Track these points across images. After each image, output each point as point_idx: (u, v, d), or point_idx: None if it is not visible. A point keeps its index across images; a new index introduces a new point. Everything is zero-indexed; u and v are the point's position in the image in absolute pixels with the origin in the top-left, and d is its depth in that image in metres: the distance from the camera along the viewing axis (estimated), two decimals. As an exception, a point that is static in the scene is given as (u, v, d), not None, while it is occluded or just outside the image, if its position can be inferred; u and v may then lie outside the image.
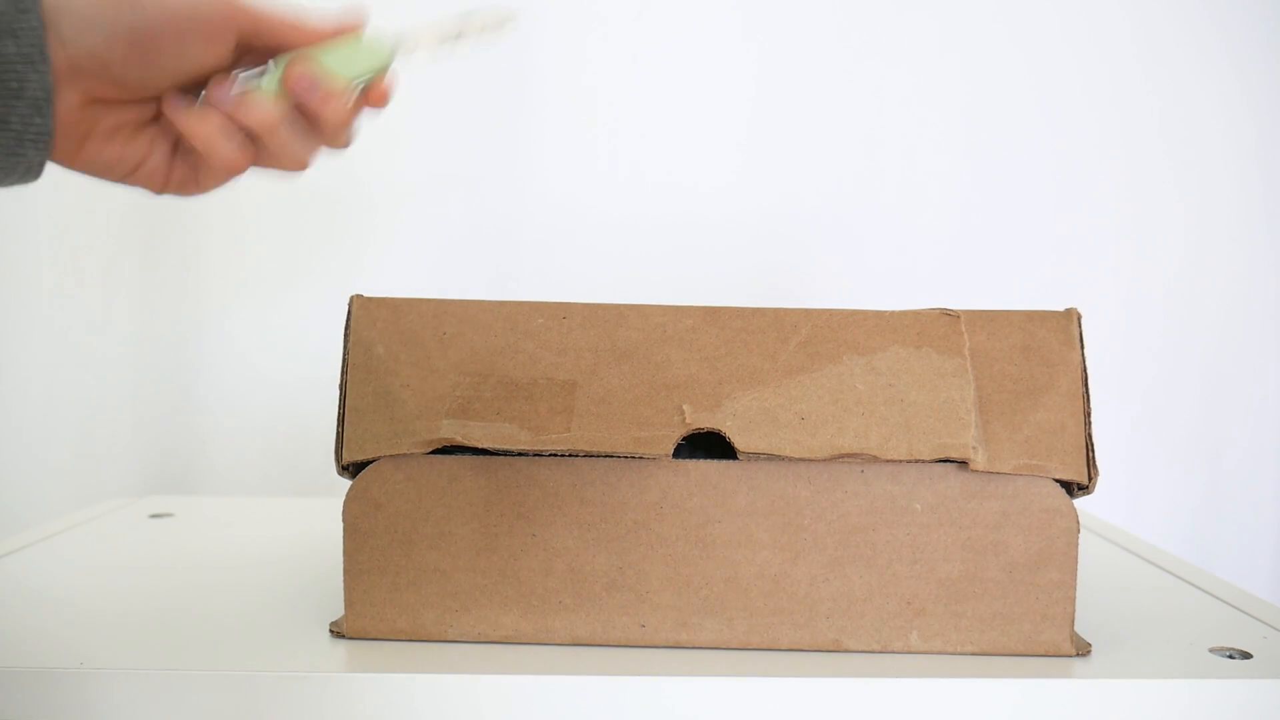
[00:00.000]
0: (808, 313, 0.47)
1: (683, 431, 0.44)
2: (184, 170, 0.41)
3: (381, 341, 0.46)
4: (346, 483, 0.47)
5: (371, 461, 0.45)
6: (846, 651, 0.46)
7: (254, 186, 0.87)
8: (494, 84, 0.88)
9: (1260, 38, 0.88)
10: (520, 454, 0.44)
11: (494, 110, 0.88)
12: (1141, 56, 0.89)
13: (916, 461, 0.44)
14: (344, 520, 0.45)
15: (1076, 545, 0.45)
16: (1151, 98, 0.89)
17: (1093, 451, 0.45)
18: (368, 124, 0.90)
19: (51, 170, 0.91)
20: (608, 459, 0.45)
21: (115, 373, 0.88)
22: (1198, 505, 0.92)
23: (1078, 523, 0.45)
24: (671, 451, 0.44)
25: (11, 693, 0.42)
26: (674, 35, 0.88)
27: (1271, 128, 0.89)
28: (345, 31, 0.41)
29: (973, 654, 0.46)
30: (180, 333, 0.88)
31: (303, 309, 0.88)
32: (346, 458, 0.45)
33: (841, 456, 0.44)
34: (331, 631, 0.46)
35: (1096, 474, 0.45)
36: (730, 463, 0.45)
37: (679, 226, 0.89)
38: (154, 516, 0.69)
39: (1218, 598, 0.54)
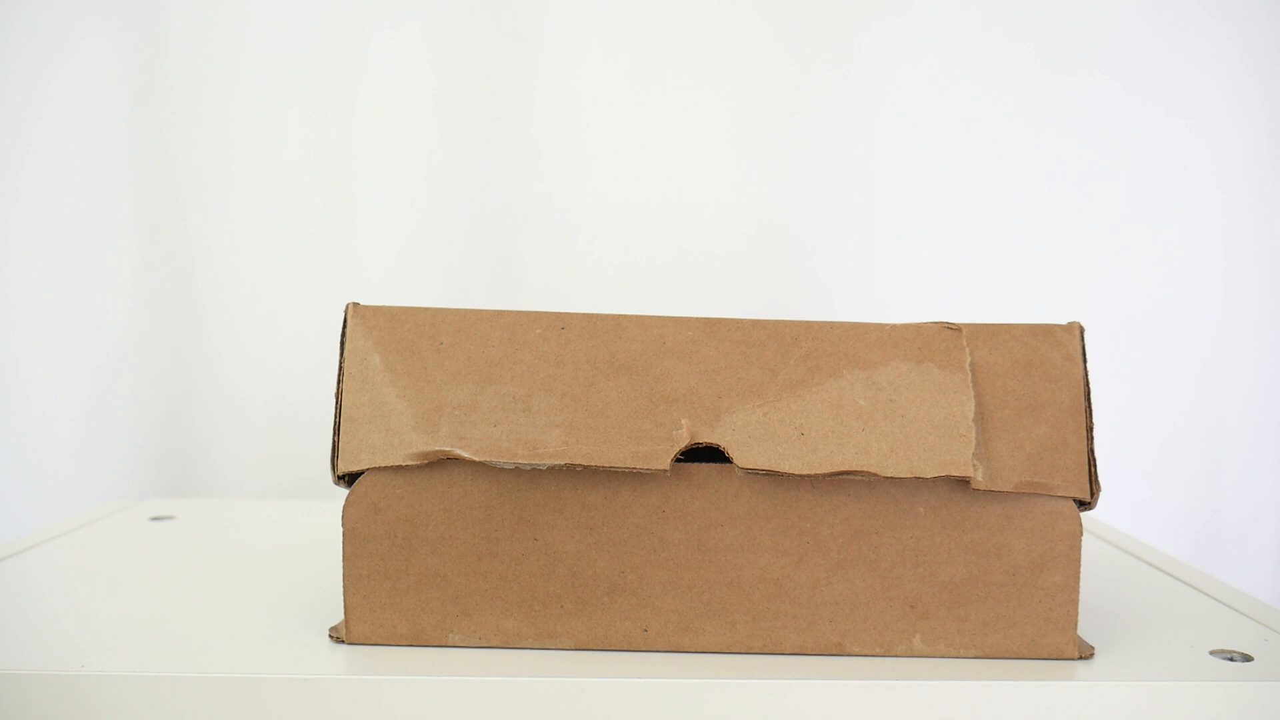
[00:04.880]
0: (808, 325, 0.47)
1: (681, 445, 0.44)
2: None
3: (378, 351, 0.46)
4: (346, 487, 0.47)
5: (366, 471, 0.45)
6: (849, 655, 0.46)
7: (254, 188, 0.87)
8: (494, 93, 0.87)
9: (1261, 42, 0.88)
10: (516, 467, 0.44)
11: (494, 119, 0.88)
12: (1138, 61, 0.89)
13: (917, 479, 0.44)
14: (343, 525, 0.45)
15: (1079, 548, 0.45)
16: (1152, 105, 0.89)
17: (1094, 468, 0.45)
18: (369, 130, 0.90)
19: (51, 173, 0.91)
20: (609, 464, 0.45)
21: (115, 375, 0.88)
22: (1199, 508, 0.92)
23: (1080, 526, 0.45)
24: (669, 466, 0.44)
25: (12, 696, 0.41)
26: (674, 44, 0.88)
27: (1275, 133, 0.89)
28: None
29: (976, 657, 0.46)
30: (180, 336, 0.88)
31: (303, 310, 0.88)
32: (341, 468, 0.45)
33: (841, 473, 0.44)
34: (331, 637, 0.46)
35: (1099, 490, 0.45)
36: (732, 466, 0.45)
37: (680, 236, 0.88)
38: (154, 519, 0.69)
39: (1219, 600, 0.54)
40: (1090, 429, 0.45)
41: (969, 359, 0.46)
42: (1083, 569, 0.46)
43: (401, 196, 0.88)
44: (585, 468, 0.44)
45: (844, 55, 0.88)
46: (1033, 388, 0.46)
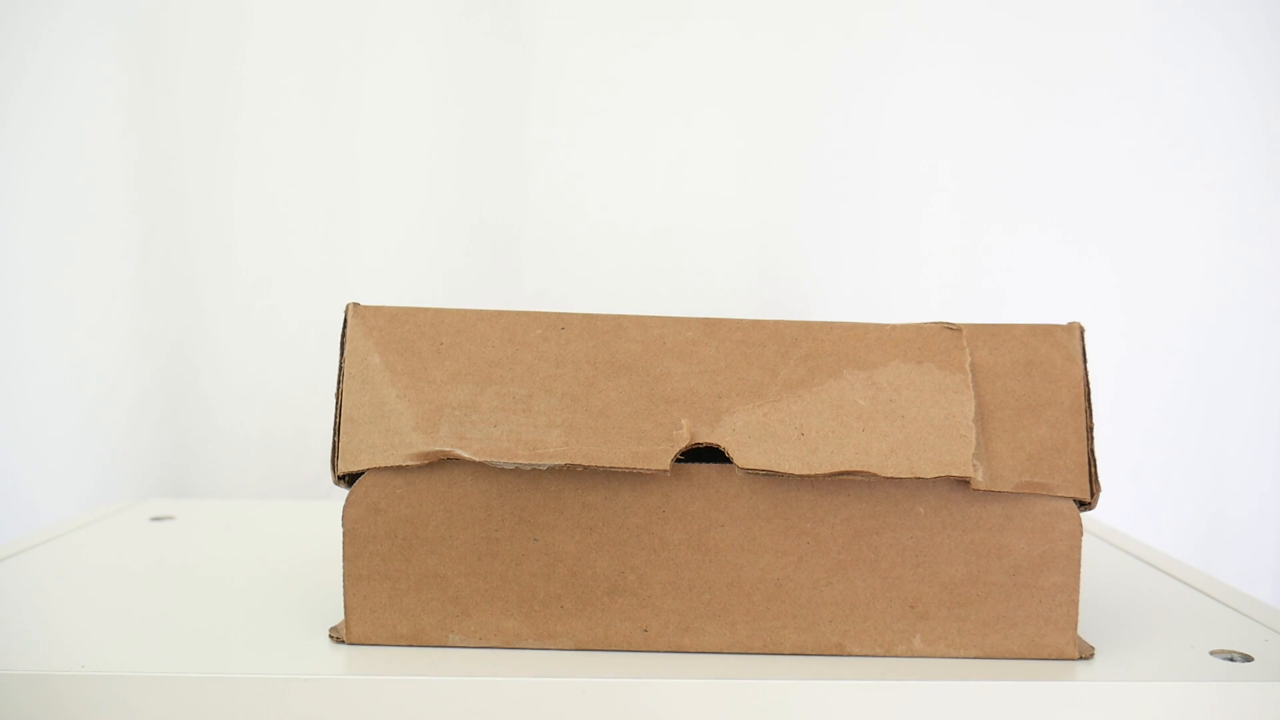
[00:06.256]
0: (808, 326, 0.47)
1: (681, 446, 0.44)
2: None
3: (378, 351, 0.46)
4: (346, 488, 0.47)
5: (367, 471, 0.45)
6: (849, 655, 0.46)
7: (254, 188, 0.87)
8: (494, 91, 0.87)
9: (1261, 43, 0.88)
10: (516, 467, 0.44)
11: (495, 118, 0.88)
12: (1139, 60, 0.89)
13: (917, 479, 0.44)
14: (343, 525, 0.45)
15: (1080, 548, 0.45)
16: (1152, 105, 0.89)
17: (1094, 468, 0.45)
18: (370, 129, 0.90)
19: (50, 173, 0.91)
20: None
21: (115, 375, 0.88)
22: (1199, 508, 0.92)
23: (1080, 526, 0.45)
24: (669, 466, 0.44)
25: (12, 696, 0.41)
26: (677, 42, 0.88)
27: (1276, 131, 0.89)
28: None
29: (976, 658, 0.46)
30: (180, 336, 0.88)
31: (303, 311, 0.88)
32: (341, 468, 0.45)
33: (842, 474, 0.44)
34: (331, 637, 0.46)
35: (1099, 490, 0.45)
36: (732, 466, 0.45)
37: (679, 237, 0.88)
38: (154, 520, 0.69)
39: (1219, 601, 0.54)
40: (1090, 429, 0.45)
41: (969, 359, 0.46)
42: (1083, 569, 0.46)
43: (402, 196, 0.88)
44: (585, 468, 0.44)
45: (845, 57, 0.88)
46: (1033, 388, 0.46)
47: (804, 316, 0.49)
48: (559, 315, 0.47)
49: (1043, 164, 0.89)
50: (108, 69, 0.85)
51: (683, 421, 0.45)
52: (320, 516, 0.69)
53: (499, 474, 0.45)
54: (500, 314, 0.47)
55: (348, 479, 0.45)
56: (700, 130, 0.88)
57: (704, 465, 0.45)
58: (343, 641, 0.46)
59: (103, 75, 0.85)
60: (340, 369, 0.46)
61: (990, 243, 0.90)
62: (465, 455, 0.44)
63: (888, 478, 0.44)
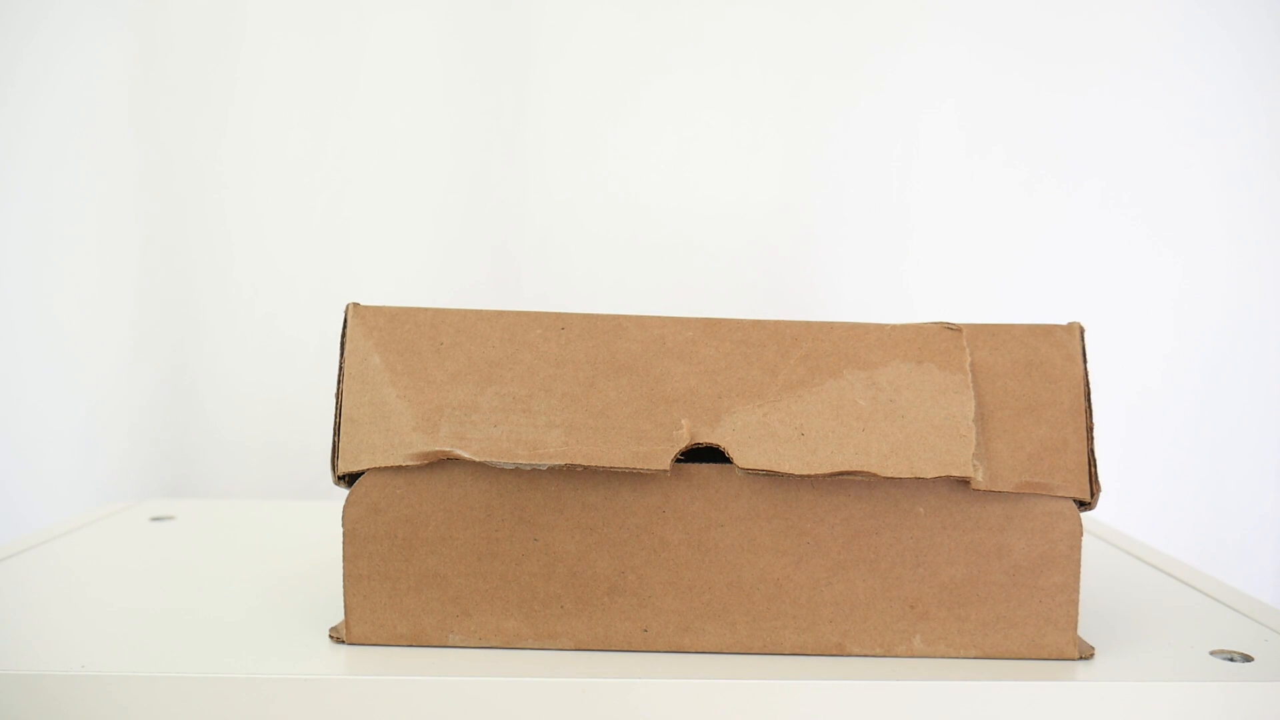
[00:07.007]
0: (809, 326, 0.47)
1: (681, 446, 0.44)
2: None
3: (378, 351, 0.46)
4: (346, 488, 0.47)
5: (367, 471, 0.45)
6: (849, 655, 0.46)
7: (254, 188, 0.87)
8: (494, 94, 0.87)
9: (1262, 42, 0.88)
10: (516, 467, 0.44)
11: (494, 119, 0.87)
12: (1140, 59, 0.89)
13: (917, 479, 0.44)
14: (343, 525, 0.45)
15: (1080, 549, 0.45)
16: (1154, 103, 0.89)
17: (1095, 468, 0.45)
18: (371, 128, 0.90)
19: (48, 174, 0.91)
20: (609, 464, 0.45)
21: (115, 375, 0.88)
22: (1200, 508, 0.92)
23: (1081, 526, 0.45)
24: (669, 466, 0.44)
25: (12, 696, 0.41)
26: (675, 43, 0.88)
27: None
28: None
29: (976, 658, 0.46)
30: (180, 336, 0.88)
31: (303, 310, 0.88)
32: (341, 468, 0.45)
33: (842, 474, 0.44)
34: (331, 637, 0.46)
35: (1099, 490, 0.45)
36: (732, 466, 0.45)
37: (679, 237, 0.88)
38: (155, 520, 0.69)
39: (1219, 601, 0.54)
40: (1090, 429, 0.45)
41: (969, 359, 0.46)
42: (1083, 569, 0.46)
43: (402, 195, 0.88)
44: (585, 468, 0.44)
45: (846, 57, 0.88)
46: (1033, 388, 0.46)
47: (804, 316, 0.49)
48: (559, 315, 0.47)
49: (1045, 162, 0.89)
50: (105, 71, 0.85)
51: (683, 421, 0.45)
52: (320, 517, 0.69)
53: (499, 474, 0.45)
54: (500, 314, 0.47)
55: (348, 479, 0.45)
56: (700, 128, 0.88)
57: (704, 465, 0.45)
58: (343, 641, 0.46)
59: (101, 78, 0.85)
60: (340, 369, 0.46)
61: (991, 242, 0.90)
62: (465, 455, 0.44)
63: (888, 478, 0.44)
